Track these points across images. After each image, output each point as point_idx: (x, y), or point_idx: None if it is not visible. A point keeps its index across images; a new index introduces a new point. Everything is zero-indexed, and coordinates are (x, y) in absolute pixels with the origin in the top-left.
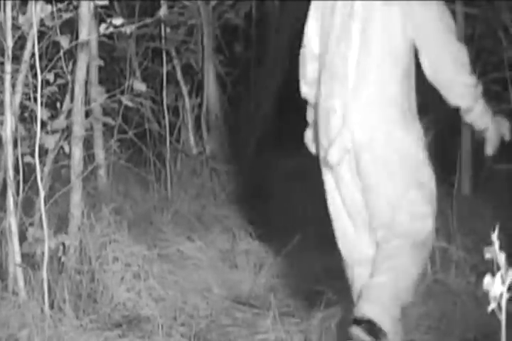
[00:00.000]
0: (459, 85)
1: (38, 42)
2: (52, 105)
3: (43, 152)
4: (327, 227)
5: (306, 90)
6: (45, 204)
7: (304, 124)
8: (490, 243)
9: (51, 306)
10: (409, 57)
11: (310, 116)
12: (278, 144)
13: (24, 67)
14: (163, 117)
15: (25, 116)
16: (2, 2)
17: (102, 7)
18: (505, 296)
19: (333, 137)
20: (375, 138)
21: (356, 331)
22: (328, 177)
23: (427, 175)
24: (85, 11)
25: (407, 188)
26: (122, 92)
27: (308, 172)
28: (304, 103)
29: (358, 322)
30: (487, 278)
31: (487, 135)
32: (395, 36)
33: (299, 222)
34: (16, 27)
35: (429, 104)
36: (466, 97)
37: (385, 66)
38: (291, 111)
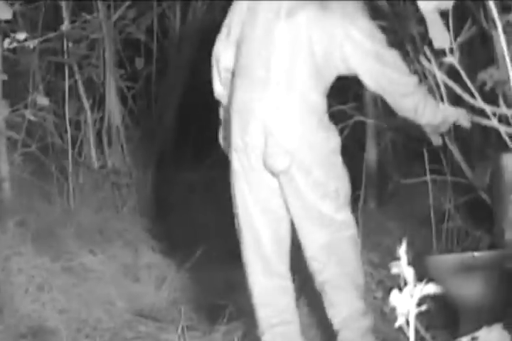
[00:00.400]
0: (401, 86)
1: None
2: None
3: None
4: (229, 240)
5: (220, 91)
6: None
7: (205, 137)
8: (397, 258)
9: None
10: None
11: (223, 115)
12: (180, 157)
13: None
14: (66, 131)
15: None
16: None
17: (5, 22)
18: (414, 312)
19: (254, 141)
20: (298, 144)
21: None
22: (240, 184)
23: (344, 180)
24: None
25: (326, 194)
26: (26, 106)
27: (211, 184)
28: (205, 116)
29: None
30: (394, 294)
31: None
32: (325, 53)
33: (201, 235)
34: None
35: (335, 118)
36: (412, 95)
37: (310, 77)
38: (192, 125)
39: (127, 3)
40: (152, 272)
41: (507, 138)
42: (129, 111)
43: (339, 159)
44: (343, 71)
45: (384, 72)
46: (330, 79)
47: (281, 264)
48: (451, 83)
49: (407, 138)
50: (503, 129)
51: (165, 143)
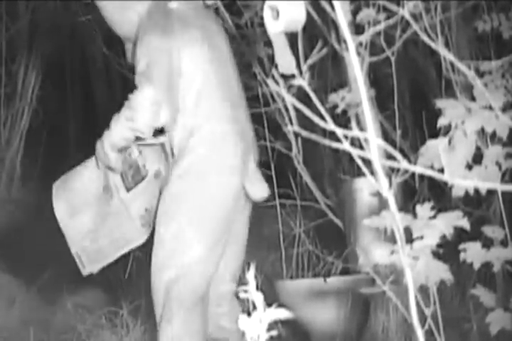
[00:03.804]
0: None
1: None
2: None
3: None
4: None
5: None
6: None
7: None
8: (245, 283)
9: None
10: None
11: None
12: (27, 180)
13: None
14: None
15: None
16: None
17: None
18: (264, 337)
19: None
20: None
21: None
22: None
23: None
24: None
25: None
26: None
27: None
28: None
29: None
30: (242, 319)
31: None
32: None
33: (50, 257)
34: None
35: None
36: None
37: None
38: (39, 149)
39: None
40: (2, 292)
41: (360, 162)
42: None
43: None
44: None
45: None
46: None
47: None
48: (300, 106)
49: None
50: (355, 153)
51: (13, 166)
